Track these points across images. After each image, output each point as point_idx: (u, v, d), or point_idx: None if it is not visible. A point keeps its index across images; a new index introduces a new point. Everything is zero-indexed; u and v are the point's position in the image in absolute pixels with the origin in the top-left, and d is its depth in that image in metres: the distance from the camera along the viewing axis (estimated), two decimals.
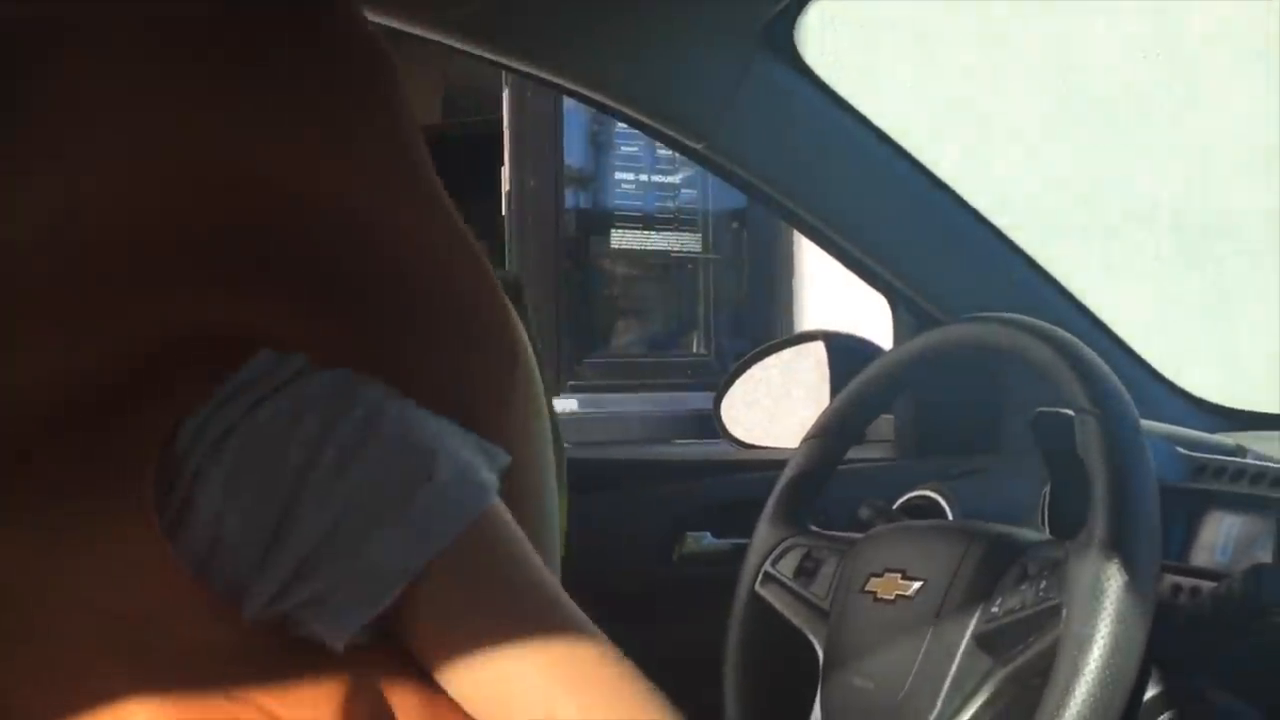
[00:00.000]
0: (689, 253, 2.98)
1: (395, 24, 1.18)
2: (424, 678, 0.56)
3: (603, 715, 0.56)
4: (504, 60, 1.22)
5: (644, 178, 2.92)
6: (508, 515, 0.58)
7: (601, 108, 1.27)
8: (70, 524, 0.54)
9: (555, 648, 0.56)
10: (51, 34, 0.57)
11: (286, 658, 0.55)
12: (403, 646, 0.56)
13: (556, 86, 1.26)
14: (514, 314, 0.65)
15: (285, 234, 0.58)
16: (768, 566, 1.06)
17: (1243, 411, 1.42)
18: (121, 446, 0.55)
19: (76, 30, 0.57)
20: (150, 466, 0.54)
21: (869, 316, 1.54)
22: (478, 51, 1.18)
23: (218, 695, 0.53)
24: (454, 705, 0.56)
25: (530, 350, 0.66)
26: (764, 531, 1.08)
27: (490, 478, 0.58)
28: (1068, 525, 0.85)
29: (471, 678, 0.56)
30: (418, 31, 1.16)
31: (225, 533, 0.54)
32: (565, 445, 0.75)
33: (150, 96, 0.57)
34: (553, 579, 0.59)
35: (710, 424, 1.49)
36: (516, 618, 0.56)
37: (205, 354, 0.57)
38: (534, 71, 1.23)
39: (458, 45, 1.17)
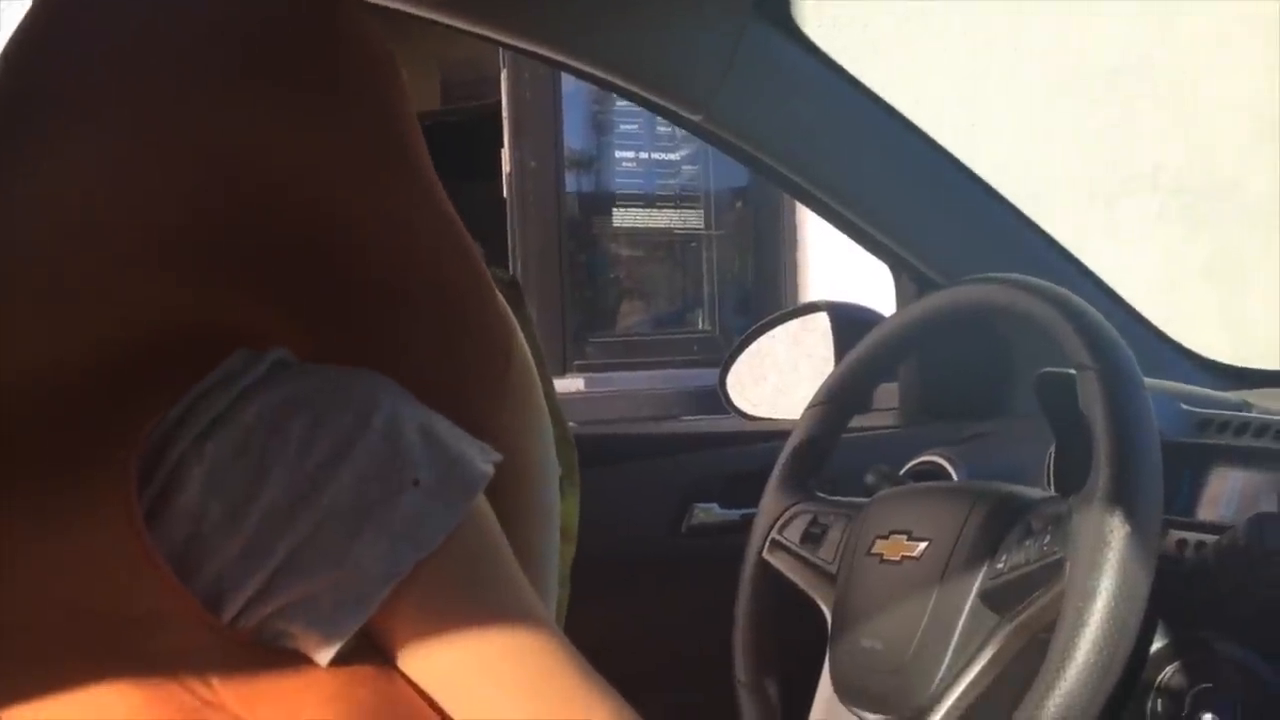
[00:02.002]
0: (691, 230, 2.98)
1: (388, 2, 1.18)
2: (405, 688, 0.56)
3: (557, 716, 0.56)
4: (498, 36, 1.22)
5: (645, 156, 2.92)
6: (491, 517, 0.58)
7: (597, 82, 1.27)
8: (52, 518, 0.53)
9: (520, 655, 0.56)
10: (65, 39, 0.58)
11: (265, 666, 0.54)
12: (383, 656, 0.56)
13: (552, 62, 1.26)
14: (507, 312, 0.64)
15: (278, 230, 0.58)
16: (775, 534, 1.07)
17: (1248, 370, 1.42)
18: (104, 440, 0.54)
19: (87, 35, 0.58)
20: (132, 464, 0.53)
21: (872, 286, 1.54)
22: (471, 28, 1.18)
23: (194, 701, 0.52)
24: (434, 717, 0.56)
25: (525, 349, 0.65)
26: (770, 499, 1.09)
27: (482, 469, 0.57)
28: (1073, 483, 0.85)
29: (435, 679, 0.56)
30: (410, 9, 1.16)
31: (205, 527, 0.53)
32: (572, 424, 0.75)
33: (148, 93, 0.57)
34: (527, 585, 0.58)
35: (717, 400, 1.49)
36: (487, 625, 0.56)
37: (191, 348, 0.56)
38: (529, 47, 1.23)
39: (451, 22, 1.17)
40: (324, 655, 0.54)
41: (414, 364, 0.60)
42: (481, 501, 0.57)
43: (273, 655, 0.54)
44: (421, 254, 0.61)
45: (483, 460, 0.58)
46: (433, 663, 0.55)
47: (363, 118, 0.60)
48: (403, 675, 0.56)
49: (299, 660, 0.54)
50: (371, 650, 0.55)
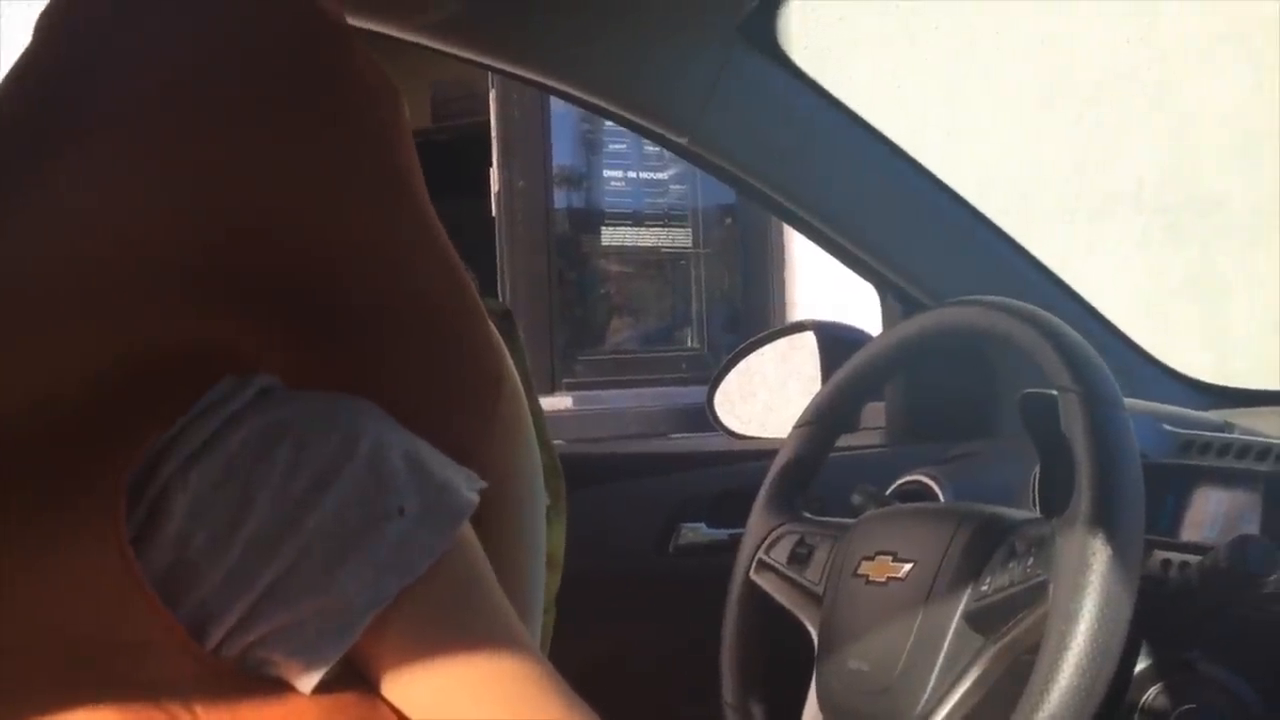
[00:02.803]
0: (680, 248, 2.99)
1: (376, 28, 1.19)
2: (387, 715, 0.56)
3: None
4: (486, 60, 1.23)
5: (633, 175, 2.93)
6: (475, 544, 0.58)
7: (585, 104, 1.28)
8: (42, 543, 0.53)
9: (505, 682, 0.56)
10: (64, 70, 0.58)
11: (248, 694, 0.54)
12: (365, 683, 0.56)
13: (539, 85, 1.27)
14: (499, 342, 0.65)
15: (273, 256, 0.59)
16: (761, 554, 1.07)
17: (1230, 389, 1.43)
18: (94, 466, 0.54)
19: (87, 64, 0.58)
20: (121, 490, 0.53)
21: (860, 306, 1.55)
22: (459, 53, 1.19)
23: None
24: None
25: (516, 378, 0.65)
26: (757, 519, 1.09)
27: (467, 497, 0.57)
28: (1057, 504, 0.86)
29: (419, 706, 0.56)
30: (399, 35, 1.17)
31: (190, 554, 0.53)
32: (560, 443, 0.75)
33: (147, 121, 0.57)
34: (512, 612, 0.58)
35: (705, 418, 1.50)
36: (472, 652, 0.56)
37: (183, 373, 0.56)
38: (516, 70, 1.24)
39: (440, 48, 1.18)
40: (307, 683, 0.54)
41: (404, 392, 0.60)
42: (467, 529, 0.58)
43: (255, 683, 0.54)
44: (415, 284, 0.61)
45: (469, 488, 0.58)
46: (417, 689, 0.56)
47: (363, 150, 0.61)
48: (385, 702, 0.56)
49: (281, 688, 0.54)
50: (354, 677, 0.55)
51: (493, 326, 0.64)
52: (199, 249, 0.57)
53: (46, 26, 0.61)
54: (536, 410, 0.68)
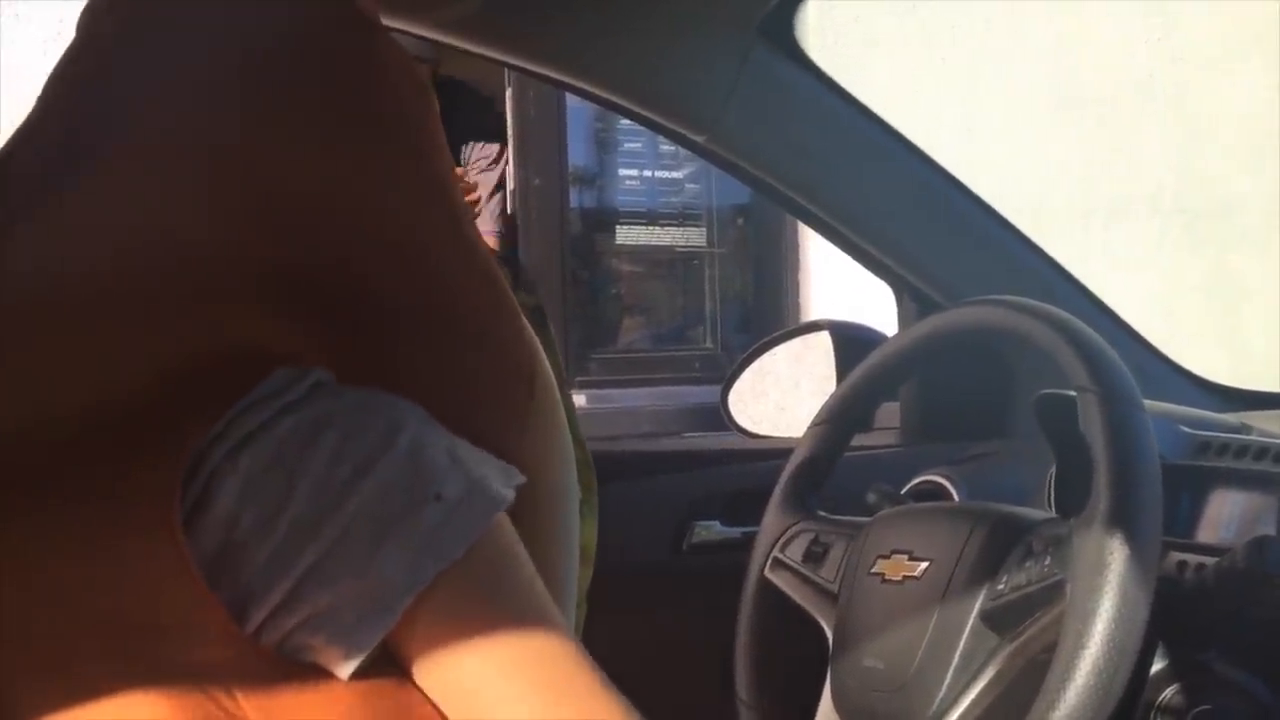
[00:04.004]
0: (694, 247, 2.99)
1: (395, 25, 1.19)
2: (423, 702, 0.56)
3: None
4: (503, 57, 1.23)
5: (648, 174, 2.93)
6: (512, 532, 0.59)
7: (602, 103, 1.28)
8: (90, 531, 0.55)
9: (537, 662, 0.57)
10: (109, 73, 0.59)
11: (286, 679, 0.55)
12: (401, 670, 0.56)
13: (557, 83, 1.27)
14: (532, 337, 0.65)
15: (310, 254, 0.60)
16: (776, 552, 1.07)
17: (1247, 391, 1.42)
18: (146, 459, 0.55)
19: (129, 66, 0.59)
20: (176, 482, 0.55)
21: (875, 306, 1.55)
22: (476, 49, 1.19)
23: (217, 711, 0.53)
24: None
25: (549, 373, 0.66)
26: (772, 518, 1.09)
27: (503, 492, 0.58)
28: (1073, 505, 0.86)
29: (455, 687, 0.57)
30: (417, 31, 1.17)
31: (237, 535, 0.55)
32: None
33: (188, 122, 0.58)
34: (546, 595, 0.59)
35: (719, 417, 1.50)
36: (505, 634, 0.57)
37: (232, 370, 0.58)
38: (534, 68, 1.24)
39: (457, 44, 1.18)
40: (345, 669, 0.55)
41: (439, 389, 0.61)
42: (503, 518, 0.58)
43: (294, 668, 0.55)
44: (448, 280, 0.62)
45: (505, 483, 0.59)
46: (450, 671, 0.56)
47: (398, 147, 0.62)
48: (420, 690, 0.56)
49: (319, 674, 0.55)
50: (390, 664, 0.56)
51: (525, 321, 0.65)
52: (241, 251, 0.59)
53: (88, 24, 0.62)
54: (569, 405, 0.69)
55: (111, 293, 0.57)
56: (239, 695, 0.54)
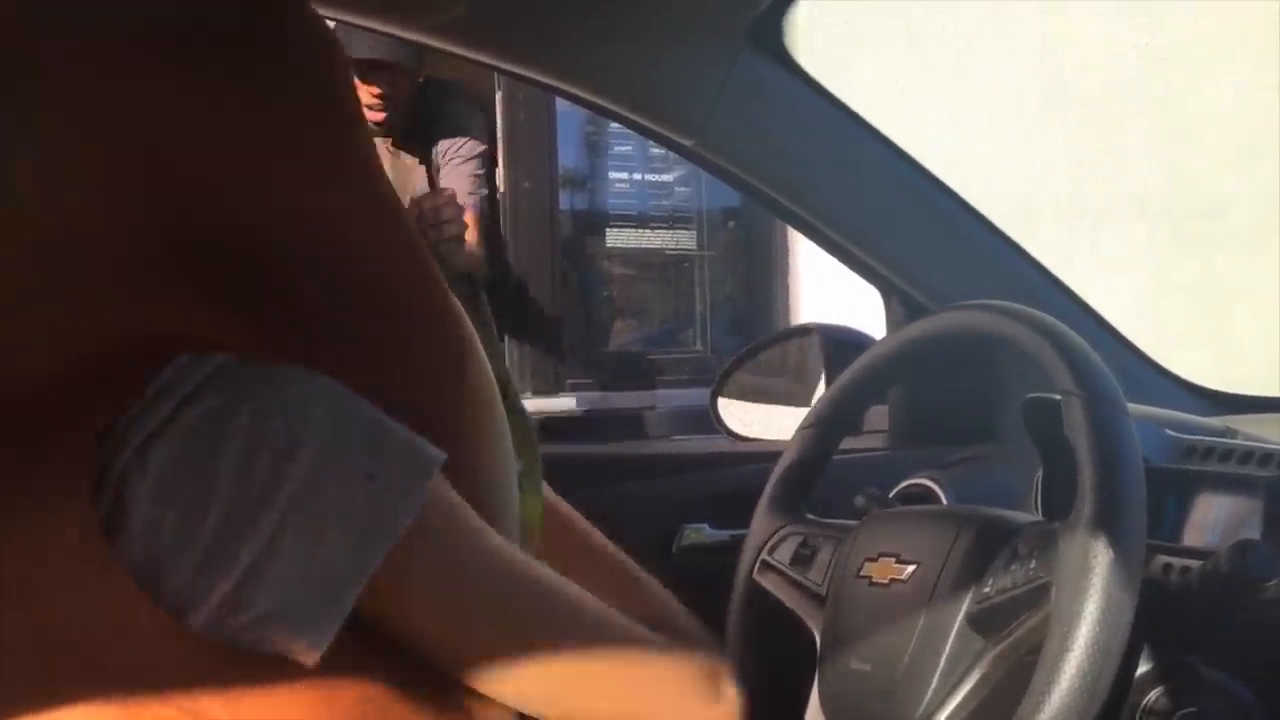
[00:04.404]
0: (684, 250, 3.00)
1: (384, 28, 1.20)
2: (387, 686, 0.56)
3: (584, 662, 0.59)
4: (493, 61, 1.23)
5: (638, 177, 2.93)
6: (448, 486, 0.58)
7: (592, 107, 1.28)
8: (8, 539, 0.53)
9: (515, 601, 0.58)
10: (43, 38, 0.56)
11: (247, 671, 0.54)
12: (366, 653, 0.56)
13: (546, 86, 1.27)
14: (461, 313, 0.63)
15: (221, 234, 0.57)
16: (765, 555, 1.08)
17: (1232, 395, 1.43)
18: (55, 457, 0.54)
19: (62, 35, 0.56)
20: (85, 479, 0.53)
21: (864, 309, 1.55)
22: (466, 54, 1.20)
23: (174, 713, 0.52)
24: (415, 706, 0.57)
25: (481, 351, 0.64)
26: (761, 520, 1.10)
27: (434, 454, 0.57)
28: (1060, 508, 0.86)
29: (450, 648, 0.57)
30: (406, 35, 1.18)
31: (162, 540, 0.53)
32: (564, 446, 0.75)
33: (94, 89, 0.55)
34: (499, 538, 0.59)
35: (708, 420, 1.50)
36: (477, 589, 0.58)
37: (138, 358, 0.56)
38: (523, 72, 1.24)
39: (447, 48, 1.18)
40: (309, 657, 0.54)
41: (366, 367, 0.59)
42: (439, 482, 0.58)
43: (254, 660, 0.54)
44: (367, 251, 0.60)
45: (433, 450, 0.58)
46: (434, 633, 0.57)
47: (307, 114, 0.59)
48: (384, 672, 0.56)
49: (283, 663, 0.54)
50: (354, 647, 0.55)
51: (454, 299, 0.63)
52: (145, 233, 0.56)
53: None
54: (504, 376, 0.67)
55: (7, 277, 0.55)
56: (197, 692, 0.52)
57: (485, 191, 2.42)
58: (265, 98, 0.58)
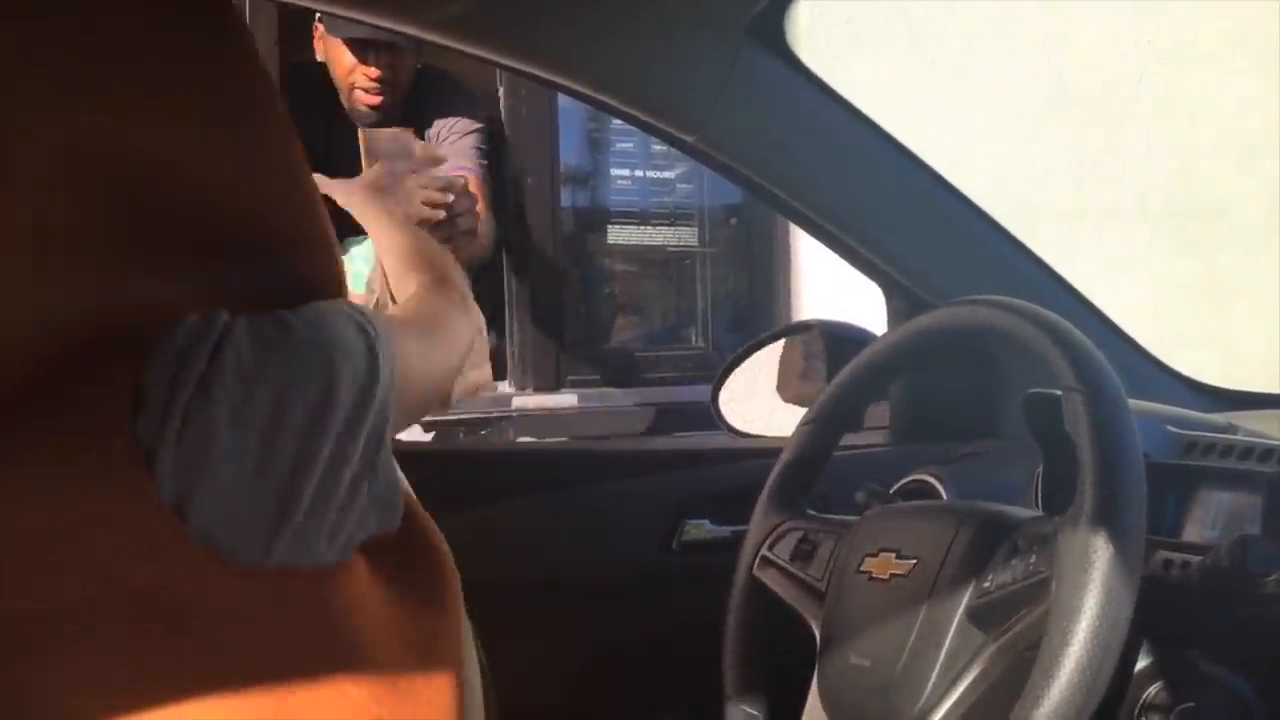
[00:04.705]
0: (686, 247, 2.99)
1: (386, 24, 1.20)
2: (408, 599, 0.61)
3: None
4: (495, 58, 1.23)
5: (640, 173, 2.93)
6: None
7: (593, 103, 1.28)
8: (64, 500, 0.55)
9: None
10: None
11: (276, 595, 0.57)
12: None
13: (548, 82, 1.27)
14: (338, 252, 0.69)
15: (148, 202, 0.59)
16: (765, 550, 1.08)
17: (1234, 391, 1.43)
18: (83, 424, 0.55)
19: None
20: (122, 424, 0.55)
21: (865, 305, 1.55)
22: (467, 49, 1.20)
23: (255, 657, 0.55)
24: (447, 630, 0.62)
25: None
26: (761, 516, 1.10)
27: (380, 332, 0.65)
28: (1060, 503, 0.86)
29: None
30: (409, 31, 1.18)
31: (243, 463, 0.56)
32: (566, 440, 0.81)
33: (14, 78, 0.57)
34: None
35: (709, 417, 1.50)
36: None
37: (137, 326, 0.58)
38: (524, 68, 1.24)
39: (450, 44, 1.18)
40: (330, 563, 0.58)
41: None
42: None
43: (285, 579, 0.57)
44: (274, 204, 0.64)
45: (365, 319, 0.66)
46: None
47: (218, 89, 0.62)
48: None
49: (320, 580, 0.58)
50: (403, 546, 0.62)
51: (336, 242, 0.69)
52: (80, 208, 0.58)
53: None
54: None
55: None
56: (262, 635, 0.56)
57: (486, 162, 2.41)
58: (164, 70, 0.61)
